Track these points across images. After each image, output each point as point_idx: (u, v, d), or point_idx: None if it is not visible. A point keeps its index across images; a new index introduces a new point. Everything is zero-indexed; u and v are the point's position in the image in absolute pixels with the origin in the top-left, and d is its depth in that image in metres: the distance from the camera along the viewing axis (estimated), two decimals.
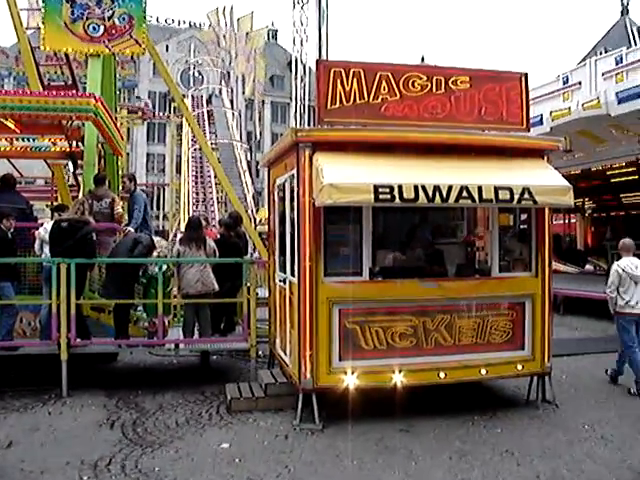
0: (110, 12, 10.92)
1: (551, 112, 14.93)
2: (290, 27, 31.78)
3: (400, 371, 6.60)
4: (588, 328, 13.17)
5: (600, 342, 11.22)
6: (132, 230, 9.32)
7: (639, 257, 8.11)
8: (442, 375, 6.80)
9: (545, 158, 7.33)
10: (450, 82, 7.18)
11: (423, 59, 38.86)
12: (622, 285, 7.95)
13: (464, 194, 6.17)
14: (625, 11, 62.91)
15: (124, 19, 10.99)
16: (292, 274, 7.07)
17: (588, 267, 20.41)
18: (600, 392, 8.03)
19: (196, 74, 57.66)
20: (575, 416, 6.95)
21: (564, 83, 16.35)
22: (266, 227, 9.84)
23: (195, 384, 8.18)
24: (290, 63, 36.50)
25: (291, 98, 33.05)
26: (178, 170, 37.30)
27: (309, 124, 27.94)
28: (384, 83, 7.01)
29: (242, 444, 6.03)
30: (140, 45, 11.15)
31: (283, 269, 7.67)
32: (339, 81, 6.88)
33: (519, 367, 7.12)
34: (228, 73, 52.19)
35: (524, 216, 7.67)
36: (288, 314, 7.30)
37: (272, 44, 68.36)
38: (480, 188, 6.23)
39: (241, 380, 7.96)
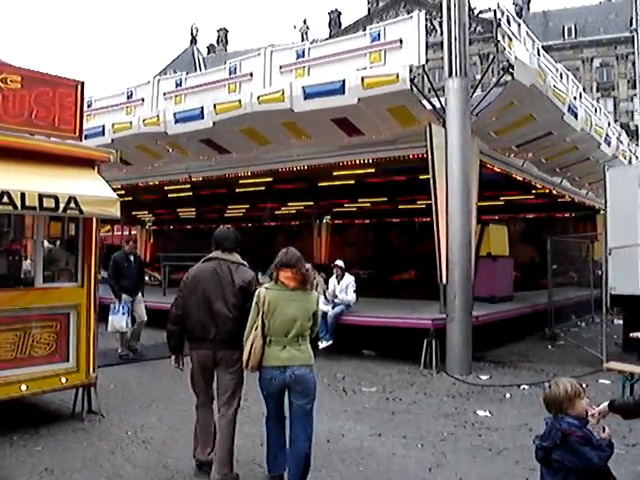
0: None
1: (113, 124, 15.04)
2: None
3: None
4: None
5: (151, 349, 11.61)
6: None
7: None
8: None
9: (96, 169, 7.34)
10: None
11: None
12: None
13: (5, 199, 5.81)
14: (194, 41, 67.71)
15: None
16: None
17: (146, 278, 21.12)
18: (144, 398, 8.32)
19: None
20: (120, 424, 7.07)
21: (128, 97, 16.60)
22: None
23: None
24: None
25: None
26: None
27: None
28: None
29: None
30: None
31: None
32: None
33: (63, 380, 6.96)
34: None
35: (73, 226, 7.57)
36: None
37: None
38: (23, 194, 5.94)
39: None
